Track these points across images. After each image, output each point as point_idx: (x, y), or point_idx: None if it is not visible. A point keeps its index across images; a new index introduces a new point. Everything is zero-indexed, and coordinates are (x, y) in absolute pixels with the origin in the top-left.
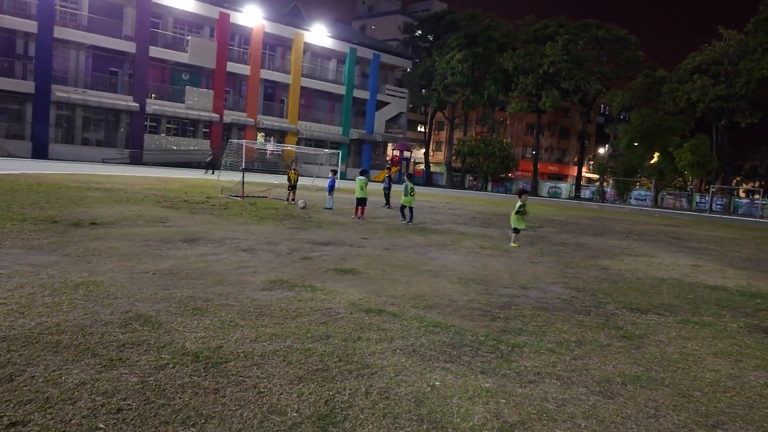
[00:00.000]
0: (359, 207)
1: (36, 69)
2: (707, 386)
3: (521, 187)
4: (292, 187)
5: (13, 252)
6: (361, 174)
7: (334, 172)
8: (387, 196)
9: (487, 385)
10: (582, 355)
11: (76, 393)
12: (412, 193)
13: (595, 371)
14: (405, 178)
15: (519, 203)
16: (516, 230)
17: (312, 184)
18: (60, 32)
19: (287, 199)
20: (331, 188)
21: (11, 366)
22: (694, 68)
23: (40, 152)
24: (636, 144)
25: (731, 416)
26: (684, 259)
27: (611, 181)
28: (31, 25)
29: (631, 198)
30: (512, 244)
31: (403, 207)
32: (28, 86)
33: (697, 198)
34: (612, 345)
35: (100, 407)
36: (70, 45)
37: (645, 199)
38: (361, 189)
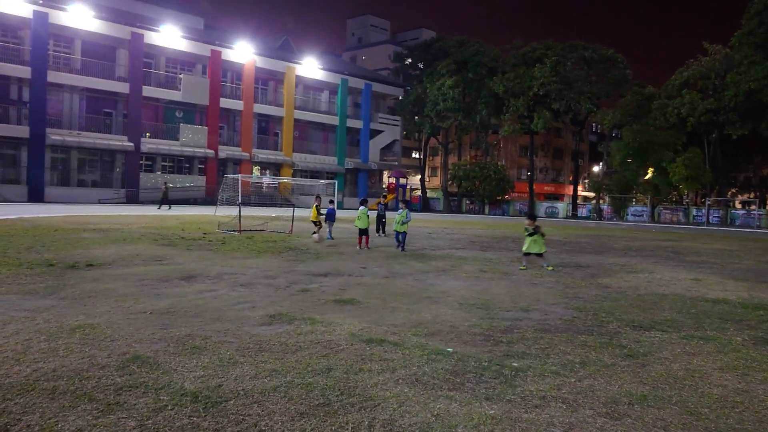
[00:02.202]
0: (363, 237)
1: (30, 113)
2: (715, 402)
3: (527, 211)
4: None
5: (8, 298)
6: (362, 204)
7: (332, 202)
8: (383, 224)
9: (492, 411)
10: (587, 376)
11: None
12: (404, 221)
13: (601, 392)
14: (402, 205)
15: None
16: (527, 254)
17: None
18: (54, 76)
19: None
20: (331, 218)
21: (6, 415)
22: (682, 83)
23: (36, 196)
24: (629, 160)
25: None
26: (684, 274)
27: (607, 199)
28: (24, 71)
29: (628, 215)
30: (521, 267)
31: (396, 234)
32: (22, 131)
33: (694, 211)
34: (617, 364)
35: None
36: (64, 88)
37: (642, 215)
38: (359, 219)
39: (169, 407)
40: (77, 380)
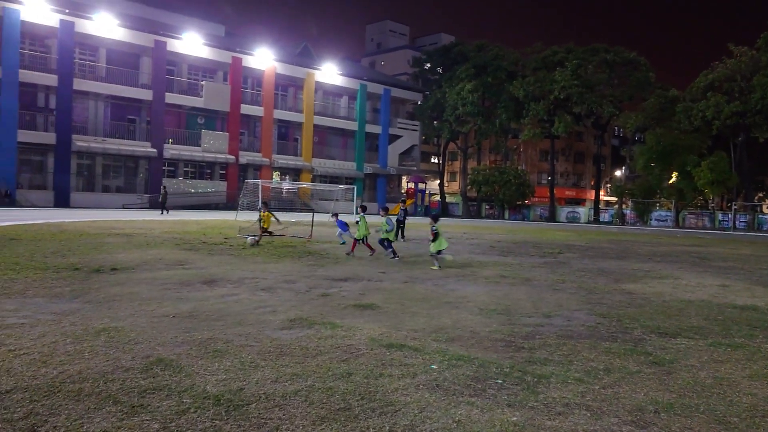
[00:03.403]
0: (365, 243)
1: (57, 120)
2: (745, 411)
3: (432, 213)
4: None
5: (35, 301)
6: (362, 210)
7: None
8: (402, 229)
9: (515, 418)
10: (611, 384)
11: None
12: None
13: (626, 400)
14: (382, 212)
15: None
16: (438, 252)
17: (329, 219)
18: (79, 84)
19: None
20: (343, 228)
21: (33, 417)
22: (707, 86)
23: (62, 201)
24: (653, 164)
25: None
26: (710, 280)
27: (630, 204)
28: (51, 79)
29: (651, 219)
30: (432, 268)
31: (381, 241)
32: (49, 137)
33: (720, 216)
34: (642, 371)
35: None
36: (89, 96)
37: (666, 220)
38: (356, 224)
39: (192, 410)
40: (102, 382)
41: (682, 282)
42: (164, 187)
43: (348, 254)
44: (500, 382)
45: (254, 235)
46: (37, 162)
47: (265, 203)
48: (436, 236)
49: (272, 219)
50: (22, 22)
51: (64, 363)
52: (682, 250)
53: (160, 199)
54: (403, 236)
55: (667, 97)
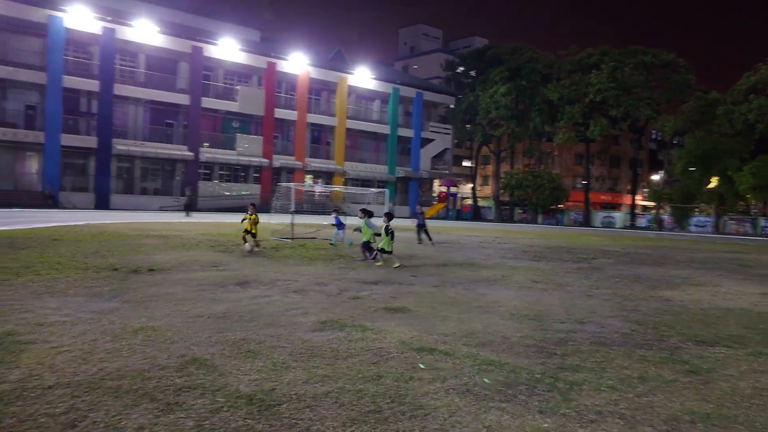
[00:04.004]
0: (365, 250)
1: (98, 125)
2: None
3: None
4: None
5: (77, 300)
6: (366, 215)
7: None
8: (425, 232)
9: (546, 425)
10: (646, 392)
11: None
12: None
13: (661, 409)
14: (360, 214)
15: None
16: (382, 250)
17: (331, 218)
18: (119, 89)
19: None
20: (341, 226)
21: (74, 412)
22: (749, 88)
23: (102, 203)
24: (692, 169)
25: None
26: (751, 288)
27: (668, 209)
28: (93, 84)
29: (690, 225)
30: (377, 264)
31: (382, 250)
32: (91, 141)
33: (762, 222)
34: (678, 381)
35: None
36: (129, 100)
37: (705, 226)
38: (359, 230)
39: (225, 409)
40: (140, 380)
41: (721, 290)
42: (189, 190)
43: (369, 260)
44: (531, 387)
45: (252, 244)
46: (80, 165)
47: (252, 204)
48: (386, 233)
49: (254, 222)
50: (66, 29)
51: (104, 360)
52: (722, 256)
53: (185, 202)
54: (429, 238)
55: (707, 99)
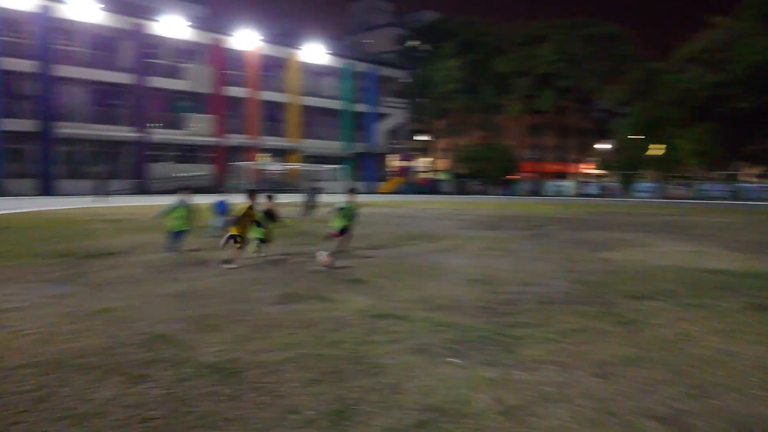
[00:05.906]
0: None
1: (39, 108)
2: (701, 362)
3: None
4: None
5: (34, 285)
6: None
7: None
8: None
9: (491, 375)
10: (581, 342)
11: (107, 407)
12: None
13: (594, 356)
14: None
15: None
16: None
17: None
18: (60, 70)
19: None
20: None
21: (44, 388)
22: (688, 57)
23: (47, 189)
24: (636, 137)
25: (724, 387)
26: (686, 246)
27: (615, 176)
28: (32, 66)
29: (635, 191)
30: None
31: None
32: (33, 125)
33: (703, 186)
34: (610, 331)
35: (130, 418)
36: (72, 82)
37: (649, 191)
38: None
39: (192, 378)
40: (105, 357)
41: (658, 249)
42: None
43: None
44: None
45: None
46: (20, 150)
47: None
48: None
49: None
50: (1, 8)
51: (67, 341)
52: (663, 220)
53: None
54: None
55: (649, 69)
